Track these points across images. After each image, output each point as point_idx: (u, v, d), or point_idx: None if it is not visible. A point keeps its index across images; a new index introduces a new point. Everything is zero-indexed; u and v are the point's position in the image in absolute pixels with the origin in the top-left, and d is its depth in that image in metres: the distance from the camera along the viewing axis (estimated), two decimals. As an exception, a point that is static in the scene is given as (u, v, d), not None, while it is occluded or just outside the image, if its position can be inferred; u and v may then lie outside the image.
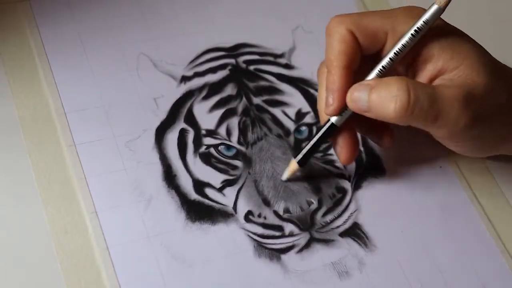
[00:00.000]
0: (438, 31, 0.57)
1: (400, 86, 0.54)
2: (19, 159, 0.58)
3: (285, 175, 0.59)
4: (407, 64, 0.57)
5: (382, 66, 0.56)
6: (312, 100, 0.65)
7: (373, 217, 0.60)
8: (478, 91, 0.55)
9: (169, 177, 0.59)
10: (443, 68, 0.56)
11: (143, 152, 0.60)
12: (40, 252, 0.55)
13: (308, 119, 0.64)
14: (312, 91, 0.65)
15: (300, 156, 0.59)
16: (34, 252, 0.55)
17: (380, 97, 0.54)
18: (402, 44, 0.56)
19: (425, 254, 0.59)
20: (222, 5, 0.69)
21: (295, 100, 0.65)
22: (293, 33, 0.68)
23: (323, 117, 0.59)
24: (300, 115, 0.64)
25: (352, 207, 0.60)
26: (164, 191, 0.58)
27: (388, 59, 0.56)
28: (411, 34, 0.56)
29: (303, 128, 0.63)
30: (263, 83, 0.65)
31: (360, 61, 0.57)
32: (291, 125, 0.63)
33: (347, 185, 0.61)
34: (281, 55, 0.67)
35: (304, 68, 0.66)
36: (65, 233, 0.55)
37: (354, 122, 0.58)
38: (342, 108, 0.57)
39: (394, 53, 0.56)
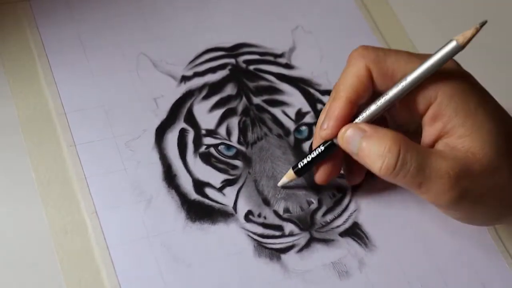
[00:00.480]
0: (459, 89, 0.54)
1: (391, 147, 0.53)
2: (19, 159, 0.58)
3: (281, 182, 0.59)
4: (419, 113, 0.55)
5: (379, 106, 0.55)
6: (312, 100, 0.65)
7: (373, 217, 0.60)
8: (476, 168, 0.53)
9: (169, 177, 0.59)
10: (451, 132, 0.54)
11: (143, 152, 0.60)
12: (40, 252, 0.55)
13: (308, 119, 0.64)
14: (312, 90, 0.65)
15: (298, 167, 0.58)
16: (34, 252, 0.55)
17: (370, 150, 0.53)
18: (403, 85, 0.54)
19: (425, 254, 0.59)
20: (222, 5, 0.69)
21: (295, 100, 0.65)
22: (293, 33, 0.68)
23: (316, 135, 0.58)
24: (300, 115, 0.64)
25: (352, 207, 0.60)
26: (164, 191, 0.58)
27: (386, 100, 0.55)
28: (416, 77, 0.54)
29: (303, 128, 0.63)
30: (263, 83, 0.65)
31: (371, 96, 0.56)
32: (291, 125, 0.63)
33: (347, 185, 0.61)
34: (281, 55, 0.67)
35: (304, 68, 0.66)
36: (65, 233, 0.55)
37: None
38: (336, 135, 0.56)
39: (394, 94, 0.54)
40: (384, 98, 0.55)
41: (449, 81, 0.54)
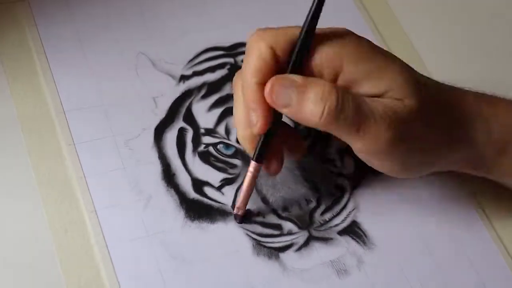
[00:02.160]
0: (363, 53, 0.53)
1: (330, 90, 0.51)
2: (19, 158, 0.58)
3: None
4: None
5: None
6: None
7: (372, 216, 0.60)
8: (405, 113, 0.53)
9: (168, 176, 0.59)
10: (369, 93, 0.53)
11: (142, 151, 0.60)
12: (40, 250, 0.55)
13: (307, 118, 0.64)
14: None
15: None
16: (34, 250, 0.55)
17: (307, 99, 0.52)
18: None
19: (424, 253, 0.59)
20: (221, 4, 0.69)
21: (294, 99, 0.65)
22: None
23: (239, 132, 0.56)
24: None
25: (350, 206, 0.60)
26: (163, 190, 0.59)
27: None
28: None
29: (302, 127, 0.63)
30: (261, 82, 0.65)
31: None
32: (290, 124, 0.63)
33: (345, 183, 0.61)
34: (279, 54, 0.67)
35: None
36: (65, 231, 0.55)
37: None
38: (269, 124, 0.54)
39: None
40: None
41: (356, 53, 0.53)
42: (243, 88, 0.54)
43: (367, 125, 0.52)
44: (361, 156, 0.55)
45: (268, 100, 0.53)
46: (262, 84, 0.53)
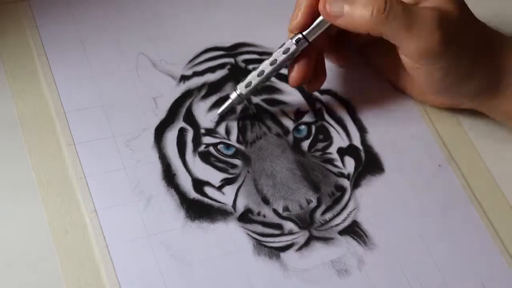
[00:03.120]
0: None
1: None
2: (19, 158, 0.58)
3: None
4: None
5: None
6: (311, 99, 0.65)
7: (372, 216, 0.60)
8: (453, 17, 0.58)
9: (169, 176, 0.59)
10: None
11: (142, 151, 0.60)
12: (40, 251, 0.55)
13: (307, 118, 0.64)
14: (311, 90, 0.65)
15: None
16: (34, 251, 0.55)
17: (357, 5, 0.57)
18: None
19: (424, 253, 0.59)
20: (221, 4, 0.69)
21: (294, 99, 0.65)
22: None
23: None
24: (299, 114, 0.64)
25: (351, 205, 0.60)
26: (164, 190, 0.58)
27: None
28: None
29: (302, 127, 0.63)
30: (262, 82, 0.65)
31: None
32: (290, 124, 0.63)
33: (346, 183, 0.61)
34: (280, 55, 0.67)
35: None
36: (65, 232, 0.55)
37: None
38: (306, 26, 0.60)
39: None
40: None
41: None
42: None
43: (418, 24, 0.57)
44: (412, 61, 0.59)
45: (323, 13, 0.58)
46: None
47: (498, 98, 0.62)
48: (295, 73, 0.61)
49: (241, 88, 0.61)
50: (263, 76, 0.61)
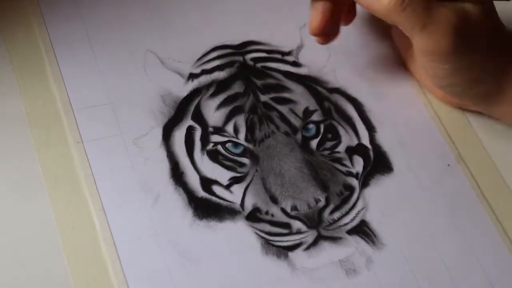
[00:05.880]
0: None
1: None
2: (27, 156, 0.58)
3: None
4: None
5: None
6: (319, 98, 0.64)
7: (381, 215, 0.60)
8: (471, 21, 0.57)
9: (177, 175, 0.59)
10: None
11: (150, 149, 0.60)
12: (47, 248, 0.55)
13: (316, 117, 0.64)
14: (319, 88, 0.65)
15: None
16: (42, 248, 0.55)
17: None
18: None
19: (432, 252, 0.59)
20: (230, 2, 0.69)
21: (303, 98, 0.64)
22: (301, 31, 0.68)
23: None
24: (307, 113, 0.64)
25: (359, 205, 0.60)
26: (172, 188, 0.58)
27: None
28: None
29: (311, 126, 0.63)
30: (270, 80, 0.65)
31: None
32: (298, 123, 0.63)
33: (354, 182, 0.61)
34: (288, 53, 0.67)
35: (311, 66, 0.66)
36: (72, 229, 0.55)
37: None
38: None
39: None
40: None
41: None
42: None
43: (433, 25, 0.56)
44: (420, 55, 0.59)
45: None
46: None
47: (505, 104, 0.62)
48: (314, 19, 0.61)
49: None
50: None
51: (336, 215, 0.59)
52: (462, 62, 0.59)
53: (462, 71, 0.60)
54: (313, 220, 0.58)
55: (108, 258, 0.55)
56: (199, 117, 0.62)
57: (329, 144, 0.62)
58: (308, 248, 0.57)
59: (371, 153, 0.63)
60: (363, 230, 0.59)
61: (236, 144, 0.61)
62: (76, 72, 0.62)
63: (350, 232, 0.59)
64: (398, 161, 0.63)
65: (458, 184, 0.62)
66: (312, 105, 0.64)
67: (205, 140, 0.61)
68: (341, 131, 0.63)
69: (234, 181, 0.59)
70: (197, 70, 0.64)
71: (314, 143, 0.62)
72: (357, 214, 0.60)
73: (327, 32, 0.61)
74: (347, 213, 0.59)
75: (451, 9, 0.57)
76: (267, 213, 0.58)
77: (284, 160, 0.61)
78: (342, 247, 0.58)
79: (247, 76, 0.64)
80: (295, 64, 0.66)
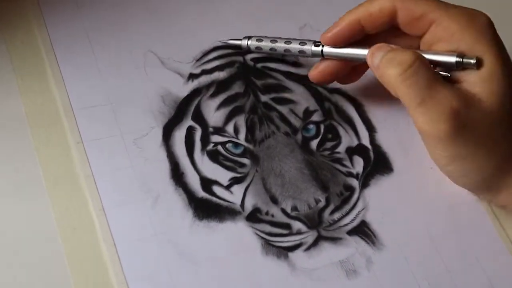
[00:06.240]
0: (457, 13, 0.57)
1: (413, 53, 0.55)
2: (27, 156, 0.58)
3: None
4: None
5: None
6: (319, 98, 0.65)
7: (381, 216, 0.60)
8: (477, 105, 0.55)
9: (177, 175, 0.59)
10: (463, 52, 0.56)
11: (150, 149, 0.60)
12: (47, 248, 0.55)
13: (316, 117, 0.64)
14: (320, 89, 0.65)
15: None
16: (41, 248, 0.55)
17: (392, 59, 0.56)
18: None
19: (433, 253, 0.59)
20: (230, 2, 0.69)
21: (303, 98, 0.64)
22: (301, 31, 0.68)
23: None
24: (307, 113, 0.64)
25: (360, 205, 0.60)
26: (172, 189, 0.58)
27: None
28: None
29: (311, 126, 0.63)
30: (270, 81, 0.65)
31: (388, 31, 0.59)
32: (298, 123, 0.63)
33: (354, 183, 0.61)
34: (288, 53, 0.66)
35: (312, 66, 0.66)
36: (72, 230, 0.55)
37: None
38: (335, 44, 0.60)
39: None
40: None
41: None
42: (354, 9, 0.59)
43: (430, 105, 0.54)
44: (422, 138, 0.57)
45: (368, 61, 0.58)
46: (359, 21, 0.59)
47: (502, 193, 0.58)
48: (314, 70, 0.63)
49: (252, 40, 0.63)
50: (275, 44, 0.63)
51: (336, 215, 0.59)
52: (462, 150, 0.56)
53: (463, 161, 0.56)
54: (313, 221, 0.58)
55: (108, 258, 0.54)
56: (199, 117, 0.62)
57: (329, 144, 0.62)
58: (308, 248, 0.57)
59: (371, 153, 0.63)
60: (363, 231, 0.59)
61: (236, 145, 0.61)
62: (76, 72, 0.62)
63: (350, 232, 0.59)
64: (398, 161, 0.63)
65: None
66: (312, 105, 0.64)
67: (205, 141, 0.61)
68: (341, 132, 0.63)
69: (234, 181, 0.59)
70: (197, 70, 0.64)
71: (314, 144, 0.62)
72: (357, 215, 0.60)
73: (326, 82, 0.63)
74: (347, 213, 0.59)
75: (455, 91, 0.55)
76: (267, 213, 0.58)
77: (284, 161, 0.61)
78: (342, 248, 0.58)
79: (247, 76, 0.64)
80: (296, 64, 0.66)
